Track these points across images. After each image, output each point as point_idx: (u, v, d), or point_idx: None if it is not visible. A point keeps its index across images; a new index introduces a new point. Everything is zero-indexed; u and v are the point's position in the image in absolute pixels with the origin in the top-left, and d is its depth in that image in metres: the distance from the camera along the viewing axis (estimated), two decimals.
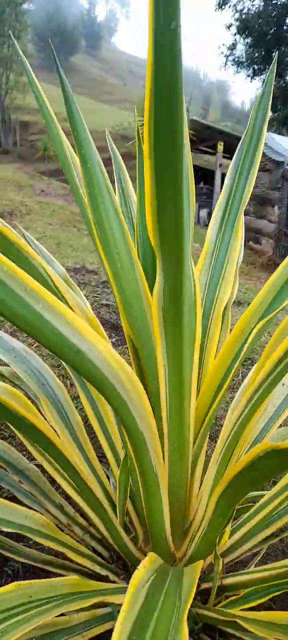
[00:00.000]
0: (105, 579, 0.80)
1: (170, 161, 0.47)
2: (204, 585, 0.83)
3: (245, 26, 14.80)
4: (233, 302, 3.47)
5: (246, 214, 8.34)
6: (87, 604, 0.58)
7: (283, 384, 1.04)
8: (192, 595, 0.50)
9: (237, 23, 15.14)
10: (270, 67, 0.93)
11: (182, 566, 0.80)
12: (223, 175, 11.75)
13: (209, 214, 14.22)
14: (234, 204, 0.90)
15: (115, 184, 1.03)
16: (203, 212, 14.94)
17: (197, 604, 0.81)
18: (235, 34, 15.54)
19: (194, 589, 0.53)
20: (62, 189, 9.46)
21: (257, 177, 0.91)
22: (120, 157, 1.09)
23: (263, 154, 9.57)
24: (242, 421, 0.73)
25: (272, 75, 0.93)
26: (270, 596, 0.74)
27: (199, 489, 0.85)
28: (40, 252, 1.02)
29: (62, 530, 0.81)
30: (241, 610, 0.74)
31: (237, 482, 0.59)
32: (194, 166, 0.86)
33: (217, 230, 0.90)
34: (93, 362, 0.51)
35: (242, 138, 0.96)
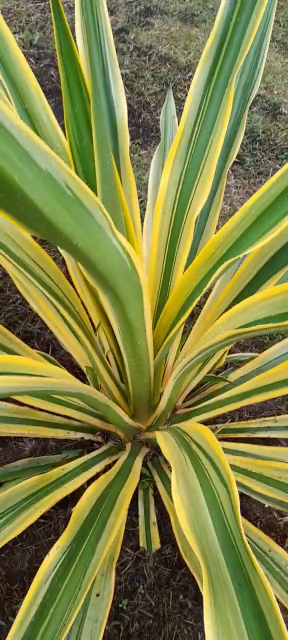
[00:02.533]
0: (80, 440, 0.94)
1: None
2: None
3: None
4: None
5: None
6: (48, 506, 0.70)
7: None
8: None
9: None
10: None
11: (144, 435, 0.91)
12: None
13: None
14: (228, 57, 0.61)
15: None
16: None
17: None
18: None
19: None
20: None
21: None
22: None
23: None
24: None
25: None
26: None
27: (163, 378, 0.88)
28: None
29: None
30: None
31: None
32: None
33: (199, 101, 0.64)
34: None
35: None
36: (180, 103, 1.87)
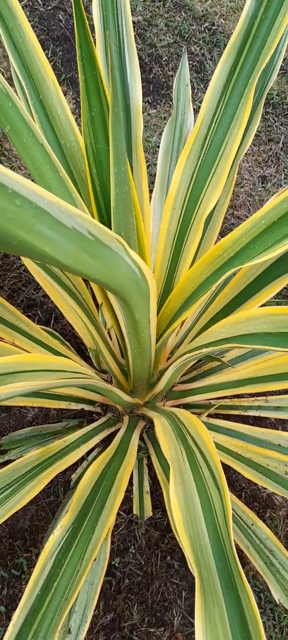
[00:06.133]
0: (80, 410, 0.98)
1: None
2: None
3: None
4: None
5: None
6: (50, 477, 0.75)
7: None
8: None
9: None
10: None
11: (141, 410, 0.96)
12: None
13: None
14: (251, 52, 0.59)
15: None
16: None
17: None
18: None
19: None
20: None
21: None
22: None
23: None
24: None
25: None
26: None
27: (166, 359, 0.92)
28: None
29: None
30: None
31: None
32: None
33: (218, 98, 0.63)
34: None
35: None
36: (193, 57, 1.78)
